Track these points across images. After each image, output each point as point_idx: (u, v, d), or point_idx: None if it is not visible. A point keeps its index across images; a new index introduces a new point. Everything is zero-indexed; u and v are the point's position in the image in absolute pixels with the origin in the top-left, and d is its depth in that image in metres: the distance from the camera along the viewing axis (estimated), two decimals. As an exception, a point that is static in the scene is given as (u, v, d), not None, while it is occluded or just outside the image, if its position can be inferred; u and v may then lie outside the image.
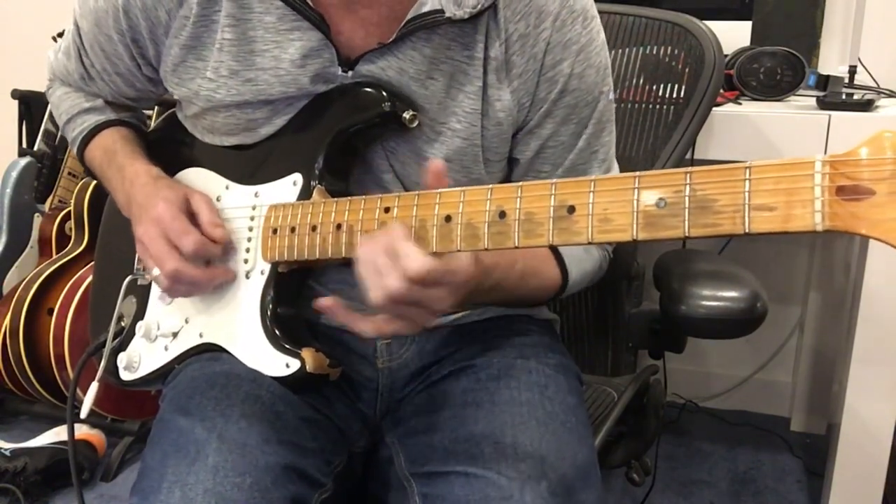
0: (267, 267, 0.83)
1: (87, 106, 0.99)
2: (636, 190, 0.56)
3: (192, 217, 0.85)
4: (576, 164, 0.88)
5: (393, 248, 0.66)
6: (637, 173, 0.57)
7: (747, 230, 0.52)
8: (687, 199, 0.54)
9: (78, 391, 0.99)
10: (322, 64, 0.82)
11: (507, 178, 0.90)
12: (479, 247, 0.64)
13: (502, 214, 0.63)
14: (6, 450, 1.76)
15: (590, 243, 0.59)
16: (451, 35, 0.81)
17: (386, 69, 0.81)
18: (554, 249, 0.88)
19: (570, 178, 0.61)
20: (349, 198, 0.75)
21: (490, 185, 0.65)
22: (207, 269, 0.83)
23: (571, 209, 0.60)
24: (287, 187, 0.84)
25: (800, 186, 0.50)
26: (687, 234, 0.54)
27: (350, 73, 0.81)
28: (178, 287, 0.84)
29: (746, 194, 0.52)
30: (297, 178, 0.83)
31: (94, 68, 0.95)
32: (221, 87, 0.84)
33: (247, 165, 0.88)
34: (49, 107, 2.12)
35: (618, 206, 0.57)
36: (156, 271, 0.83)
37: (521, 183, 0.63)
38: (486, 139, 0.84)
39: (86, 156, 0.99)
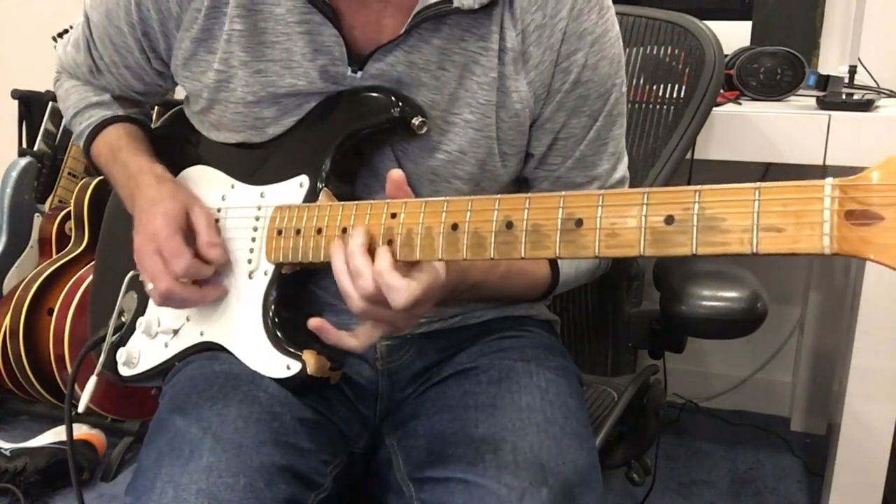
0: (270, 268, 0.83)
1: (94, 100, 0.99)
2: (644, 206, 0.56)
3: (192, 231, 0.84)
4: (585, 156, 0.88)
5: (385, 279, 0.68)
6: (646, 189, 0.57)
7: (755, 251, 0.51)
8: (695, 217, 0.54)
9: (77, 388, 0.99)
10: (332, 60, 0.81)
11: (520, 175, 0.90)
12: (486, 256, 0.64)
13: (509, 225, 0.63)
14: (6, 450, 1.76)
15: (597, 257, 0.59)
16: (463, 25, 0.80)
17: (395, 65, 0.81)
18: None
19: (578, 192, 0.61)
20: (356, 202, 0.75)
21: (497, 196, 0.65)
22: (200, 290, 0.84)
23: (579, 222, 0.60)
24: (293, 189, 0.84)
25: (809, 209, 0.50)
26: (694, 253, 0.54)
27: (359, 73, 0.81)
28: (170, 304, 0.85)
29: (755, 215, 0.51)
30: (304, 179, 0.83)
31: (102, 61, 0.95)
32: (233, 77, 0.84)
33: (253, 165, 0.88)
34: (49, 107, 2.12)
35: (626, 222, 0.57)
36: (150, 286, 0.84)
37: (529, 194, 0.63)
38: (502, 131, 0.84)
39: (91, 151, 0.99)
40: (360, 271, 0.69)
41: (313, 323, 0.74)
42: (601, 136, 0.87)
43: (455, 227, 0.66)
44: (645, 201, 0.56)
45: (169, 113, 1.02)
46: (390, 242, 0.70)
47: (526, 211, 0.63)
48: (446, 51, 0.81)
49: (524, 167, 0.89)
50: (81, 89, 1.00)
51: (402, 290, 0.67)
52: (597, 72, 0.83)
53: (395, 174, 0.71)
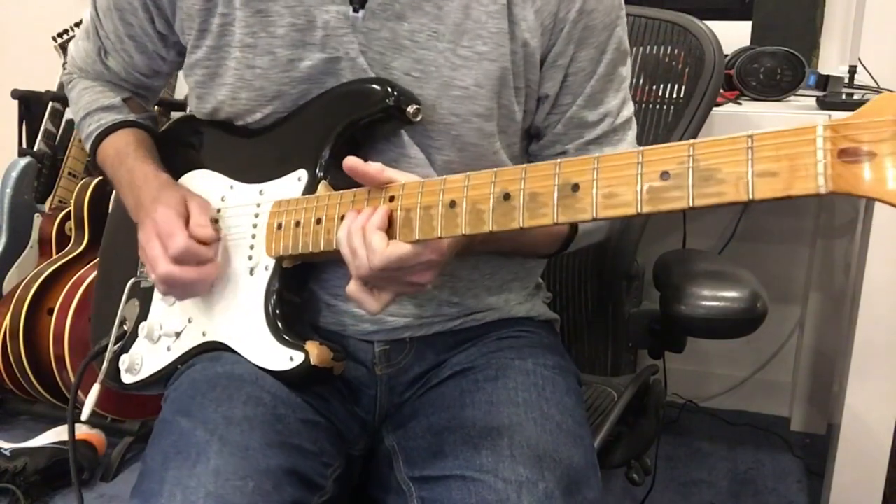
0: (271, 262, 0.84)
1: (105, 104, 0.99)
2: (640, 164, 0.57)
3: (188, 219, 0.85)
4: (595, 92, 0.87)
5: (366, 236, 0.71)
6: (640, 148, 0.57)
7: (751, 197, 0.52)
8: (690, 170, 0.54)
9: (79, 393, 0.99)
10: None
11: (533, 124, 0.90)
12: (484, 229, 0.65)
13: (507, 196, 0.64)
14: (6, 450, 1.76)
15: (594, 219, 0.59)
16: None
17: None
18: None
19: (574, 158, 0.61)
20: (354, 189, 0.76)
21: (494, 169, 0.65)
22: (199, 269, 0.83)
23: (576, 187, 0.60)
24: (292, 183, 0.84)
25: (802, 151, 0.50)
26: (691, 205, 0.54)
27: (361, 11, 0.80)
28: (173, 290, 0.85)
29: (749, 162, 0.52)
30: (302, 173, 0.84)
31: (108, 39, 0.96)
32: (235, 19, 0.83)
33: (251, 164, 0.88)
34: (49, 107, 2.12)
35: (622, 181, 0.58)
36: (152, 276, 0.84)
37: (525, 165, 0.64)
38: (515, 64, 0.83)
39: (98, 154, 0.99)
40: (355, 249, 0.71)
41: (349, 162, 0.74)
42: (609, 71, 0.87)
43: (453, 203, 0.66)
44: (640, 160, 0.57)
45: (172, 120, 1.03)
46: (390, 225, 0.70)
47: (522, 181, 0.63)
48: None
49: (537, 113, 0.88)
50: (92, 91, 1.00)
51: (377, 253, 0.69)
52: (601, 1, 0.83)
53: (350, 162, 0.73)
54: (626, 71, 0.90)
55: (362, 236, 0.71)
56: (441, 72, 0.81)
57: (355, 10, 0.81)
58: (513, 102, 0.85)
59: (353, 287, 0.74)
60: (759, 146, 0.52)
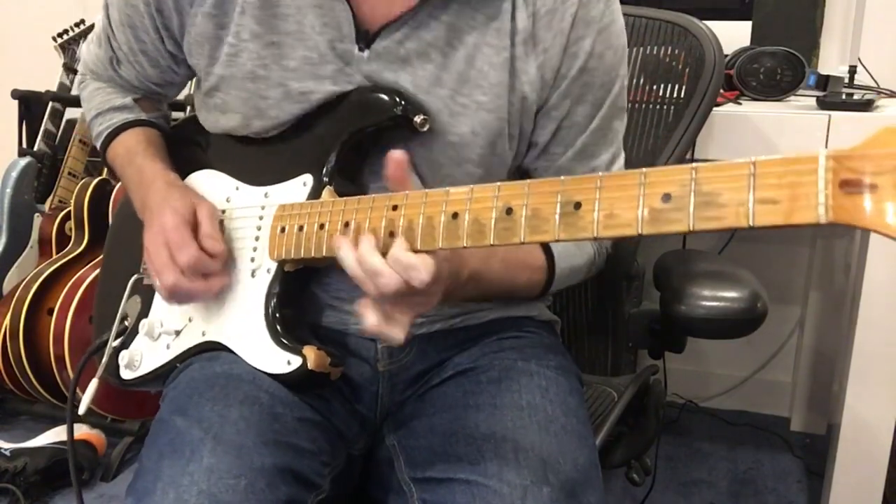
0: (273, 266, 0.84)
1: (117, 104, 1.00)
2: (642, 185, 0.57)
3: (197, 228, 0.85)
4: (587, 146, 0.88)
5: (393, 251, 0.67)
6: (643, 169, 0.57)
7: (752, 223, 0.52)
8: (692, 193, 0.54)
9: (78, 390, 0.99)
10: (340, 36, 0.82)
11: (521, 165, 0.90)
12: (485, 243, 0.65)
13: (509, 211, 0.64)
14: (6, 450, 1.76)
15: (595, 238, 0.59)
16: (474, 4, 0.81)
17: (403, 41, 0.81)
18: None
19: (577, 176, 0.61)
20: (358, 196, 0.76)
21: (498, 183, 0.65)
22: (205, 282, 0.83)
23: (578, 205, 0.60)
24: (297, 188, 0.84)
25: (804, 180, 0.50)
26: (691, 229, 0.54)
27: (366, 51, 0.82)
28: (177, 299, 0.85)
29: (751, 189, 0.52)
30: (308, 178, 0.84)
31: (121, 50, 0.96)
32: (243, 50, 0.84)
33: (257, 167, 0.89)
34: (49, 107, 2.12)
35: (623, 202, 0.58)
36: (157, 281, 0.84)
37: (528, 181, 0.64)
38: (511, 115, 0.84)
39: (108, 152, 1.00)
40: (377, 270, 0.67)
41: (397, 155, 0.70)
42: (603, 126, 0.88)
43: (455, 215, 0.66)
44: (642, 181, 0.57)
45: (181, 119, 1.04)
46: (391, 234, 0.70)
47: (526, 197, 0.63)
48: (455, 29, 0.81)
49: (526, 156, 0.89)
50: (105, 91, 1.01)
51: (421, 267, 0.66)
52: (602, 60, 0.84)
53: (397, 154, 0.69)
54: (620, 125, 0.91)
55: (378, 254, 0.68)
56: (439, 117, 0.82)
57: (360, 50, 0.82)
58: (506, 151, 0.86)
59: (373, 320, 0.70)
60: (761, 173, 0.52)
